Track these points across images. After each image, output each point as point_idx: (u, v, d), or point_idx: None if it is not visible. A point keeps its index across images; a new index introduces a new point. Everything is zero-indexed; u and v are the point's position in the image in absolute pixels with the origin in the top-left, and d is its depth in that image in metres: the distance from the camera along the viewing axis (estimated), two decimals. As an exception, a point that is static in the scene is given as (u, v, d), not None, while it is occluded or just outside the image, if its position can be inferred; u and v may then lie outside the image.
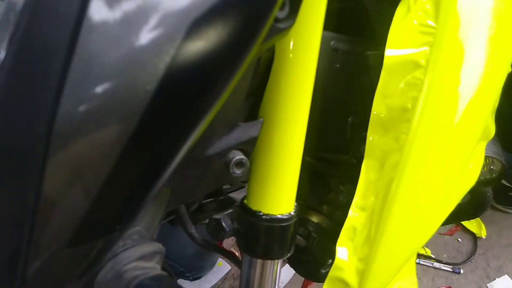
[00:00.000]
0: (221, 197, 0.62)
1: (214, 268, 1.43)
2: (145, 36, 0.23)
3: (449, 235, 1.70)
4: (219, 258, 1.49)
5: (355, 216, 0.54)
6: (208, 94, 0.27)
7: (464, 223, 1.70)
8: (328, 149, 0.71)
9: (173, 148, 0.28)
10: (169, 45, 0.24)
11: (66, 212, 0.26)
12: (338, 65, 0.69)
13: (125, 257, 0.34)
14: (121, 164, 0.25)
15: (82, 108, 0.23)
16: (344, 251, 0.54)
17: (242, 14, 0.28)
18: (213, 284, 1.49)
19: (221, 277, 1.52)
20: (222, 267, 1.56)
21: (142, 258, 0.34)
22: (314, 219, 0.77)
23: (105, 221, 0.29)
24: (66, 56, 0.23)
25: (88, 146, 0.24)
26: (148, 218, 0.39)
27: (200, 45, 0.26)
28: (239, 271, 0.52)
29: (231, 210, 0.53)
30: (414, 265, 0.64)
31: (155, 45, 0.24)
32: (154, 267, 0.34)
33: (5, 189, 0.26)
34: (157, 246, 0.36)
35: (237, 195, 0.63)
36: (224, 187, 0.61)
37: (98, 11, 0.22)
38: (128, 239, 0.35)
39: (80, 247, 0.29)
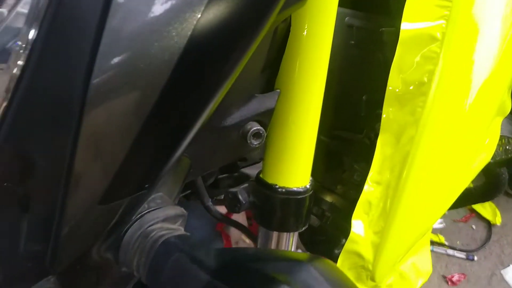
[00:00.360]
0: (236, 173, 0.64)
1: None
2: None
3: (464, 221, 1.70)
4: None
5: (370, 191, 0.56)
6: (231, 54, 0.29)
7: (479, 210, 1.70)
8: (343, 127, 0.73)
9: (199, 105, 0.30)
10: (196, 5, 0.26)
11: (100, 169, 0.29)
12: (352, 42, 0.70)
13: (150, 218, 0.36)
14: (150, 121, 0.28)
15: (115, 66, 0.25)
16: (360, 225, 0.55)
17: None
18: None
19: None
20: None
21: (166, 219, 0.37)
22: (328, 198, 0.79)
23: (135, 179, 0.31)
24: (101, 17, 0.25)
25: (121, 104, 0.26)
26: (169, 186, 0.42)
27: (224, 7, 0.28)
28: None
29: (247, 184, 0.55)
30: (428, 241, 0.66)
31: (184, 6, 0.26)
32: (178, 229, 0.37)
33: (42, 147, 0.28)
34: (180, 210, 0.38)
35: (251, 171, 0.65)
36: (238, 162, 0.63)
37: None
38: (152, 202, 0.37)
39: (111, 204, 0.31)
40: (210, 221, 1.46)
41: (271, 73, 0.49)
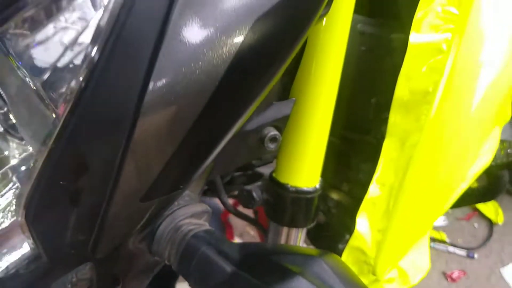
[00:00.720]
0: (250, 172, 0.69)
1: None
2: (220, 27, 0.30)
3: (466, 220, 1.76)
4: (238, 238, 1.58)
5: (375, 191, 0.61)
6: (269, 72, 0.35)
7: (482, 209, 1.76)
8: (352, 128, 0.78)
9: (236, 116, 0.35)
10: (242, 29, 0.31)
11: (145, 171, 0.34)
12: (364, 48, 0.75)
13: (180, 214, 0.42)
14: (192, 131, 0.33)
15: (167, 83, 0.30)
16: (364, 223, 0.61)
17: (299, 13, 0.35)
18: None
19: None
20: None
21: (193, 215, 0.42)
22: (334, 196, 0.85)
23: (173, 180, 0.36)
24: (157, 41, 0.30)
25: (169, 116, 0.32)
26: (194, 184, 0.47)
27: (266, 29, 0.33)
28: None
29: (260, 182, 0.61)
30: (428, 240, 0.72)
31: (231, 29, 0.31)
32: (204, 224, 0.42)
33: (98, 151, 0.34)
34: (205, 207, 0.44)
35: (263, 170, 0.70)
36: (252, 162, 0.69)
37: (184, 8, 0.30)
38: (181, 200, 0.43)
39: (150, 201, 0.37)
40: (215, 212, 1.52)
41: (288, 81, 0.54)
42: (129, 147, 0.32)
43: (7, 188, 0.55)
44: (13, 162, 0.56)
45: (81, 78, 0.32)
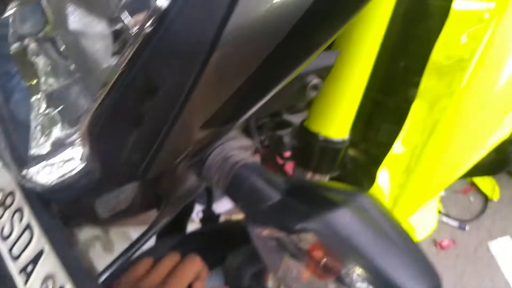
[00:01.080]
0: (278, 119, 0.72)
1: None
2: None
3: (463, 193, 1.82)
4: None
5: (399, 148, 0.64)
6: (340, 20, 0.37)
7: (479, 184, 1.82)
8: (378, 89, 0.80)
9: (300, 60, 0.37)
10: None
11: (211, 100, 0.37)
12: (399, 10, 0.75)
13: (229, 146, 0.45)
14: (260, 68, 0.35)
15: (247, 22, 0.32)
16: (385, 177, 0.65)
17: None
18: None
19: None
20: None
21: (241, 148, 0.45)
22: (351, 152, 0.88)
23: (233, 112, 0.39)
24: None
25: (242, 52, 0.34)
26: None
27: None
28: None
29: (290, 129, 0.63)
30: (436, 202, 0.76)
31: None
32: (249, 157, 0.45)
33: (170, 77, 0.36)
34: (250, 142, 0.47)
35: (289, 118, 0.73)
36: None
37: None
38: (229, 134, 0.46)
39: (208, 129, 0.40)
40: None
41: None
42: (200, 77, 0.34)
43: (42, 112, 0.57)
44: (52, 86, 0.58)
45: (162, 6, 0.33)
